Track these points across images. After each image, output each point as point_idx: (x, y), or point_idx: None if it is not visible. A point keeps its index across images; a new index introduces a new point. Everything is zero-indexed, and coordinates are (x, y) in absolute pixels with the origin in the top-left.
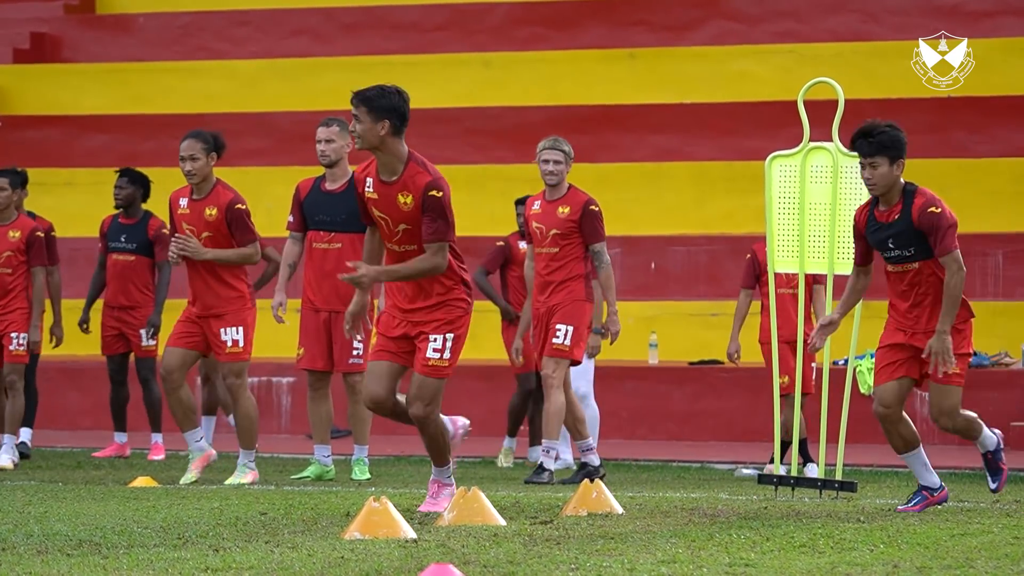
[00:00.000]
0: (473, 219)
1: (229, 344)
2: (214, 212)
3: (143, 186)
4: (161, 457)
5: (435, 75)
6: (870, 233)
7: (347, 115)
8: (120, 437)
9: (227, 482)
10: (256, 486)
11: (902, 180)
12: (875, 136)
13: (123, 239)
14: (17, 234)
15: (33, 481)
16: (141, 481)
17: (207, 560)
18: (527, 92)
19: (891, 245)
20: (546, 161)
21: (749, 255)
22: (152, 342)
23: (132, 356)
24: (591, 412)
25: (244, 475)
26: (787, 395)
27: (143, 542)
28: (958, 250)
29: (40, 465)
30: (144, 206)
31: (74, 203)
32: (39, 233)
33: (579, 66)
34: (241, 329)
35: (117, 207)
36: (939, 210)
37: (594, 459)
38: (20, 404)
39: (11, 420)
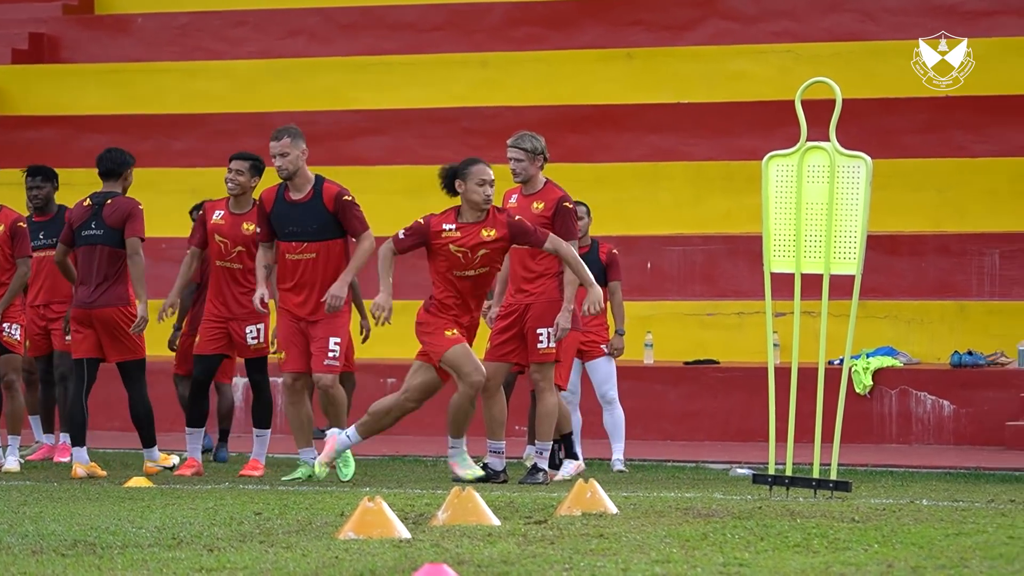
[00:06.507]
0: None
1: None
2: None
3: (57, 182)
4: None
5: (432, 75)
6: None
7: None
8: (48, 439)
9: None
10: (252, 486)
11: None
12: None
13: (42, 236)
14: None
15: (28, 481)
16: (136, 481)
17: (201, 560)
18: (524, 92)
19: None
20: (509, 159)
21: None
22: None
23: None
24: (617, 415)
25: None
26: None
27: (138, 542)
28: None
29: (35, 466)
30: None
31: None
32: (21, 224)
33: (576, 66)
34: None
35: (36, 208)
36: None
37: (498, 463)
38: (20, 404)
39: (13, 420)
